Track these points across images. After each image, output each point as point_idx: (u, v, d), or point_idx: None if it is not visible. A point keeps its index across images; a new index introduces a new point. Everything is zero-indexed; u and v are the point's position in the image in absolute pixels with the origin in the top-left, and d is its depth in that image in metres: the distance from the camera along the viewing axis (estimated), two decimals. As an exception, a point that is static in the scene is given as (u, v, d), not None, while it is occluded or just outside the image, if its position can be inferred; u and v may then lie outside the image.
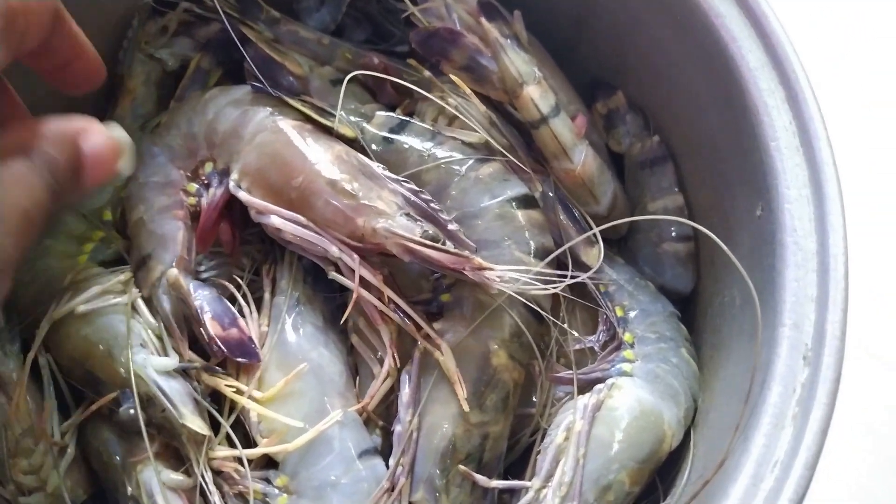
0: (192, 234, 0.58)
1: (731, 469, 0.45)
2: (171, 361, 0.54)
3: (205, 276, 0.59)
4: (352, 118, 0.58)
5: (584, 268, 0.57)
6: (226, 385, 0.54)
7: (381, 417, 0.55)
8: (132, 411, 0.51)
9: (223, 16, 0.60)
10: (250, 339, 0.55)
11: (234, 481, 0.52)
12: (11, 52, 0.36)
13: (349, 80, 0.58)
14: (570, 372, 0.56)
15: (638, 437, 0.52)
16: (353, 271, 0.52)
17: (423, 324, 0.52)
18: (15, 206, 0.34)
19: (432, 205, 0.53)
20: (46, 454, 0.54)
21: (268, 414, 0.52)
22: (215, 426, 0.54)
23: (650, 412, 0.53)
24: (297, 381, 0.54)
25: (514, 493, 0.53)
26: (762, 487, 0.43)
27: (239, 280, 0.58)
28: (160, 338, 0.55)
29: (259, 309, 0.58)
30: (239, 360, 0.54)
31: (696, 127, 0.59)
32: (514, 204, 0.56)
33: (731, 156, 0.54)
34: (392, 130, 0.58)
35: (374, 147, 0.57)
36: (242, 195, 0.55)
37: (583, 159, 0.60)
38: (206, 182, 0.58)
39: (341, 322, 0.55)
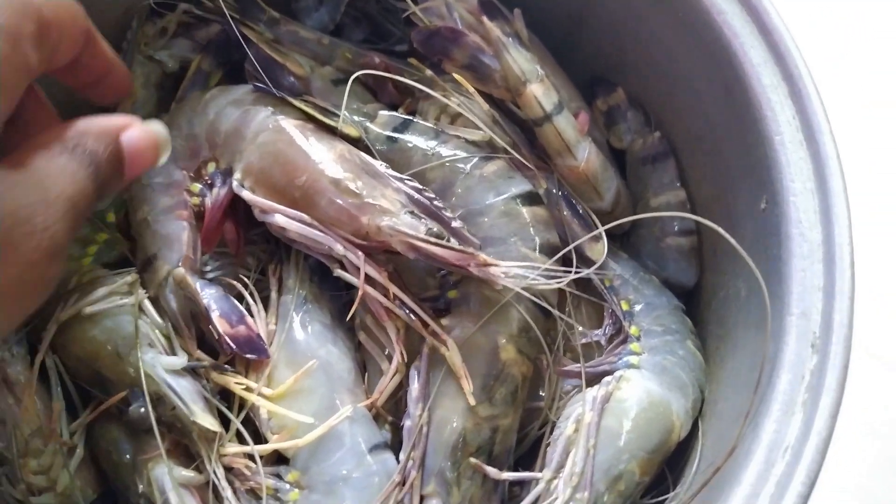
0: (196, 234, 0.58)
1: (742, 456, 0.45)
2: (181, 360, 0.54)
3: (210, 275, 0.59)
4: (355, 118, 0.58)
5: (588, 263, 0.57)
6: (235, 383, 0.54)
7: (391, 413, 0.55)
8: (142, 410, 0.52)
9: (225, 17, 0.60)
10: (258, 335, 0.55)
11: (246, 477, 0.53)
12: (44, 62, 0.38)
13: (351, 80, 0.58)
14: (578, 365, 0.56)
15: (647, 427, 0.53)
16: (359, 269, 0.52)
17: (428, 319, 0.52)
18: (61, 193, 0.35)
19: (436, 202, 0.53)
20: (56, 454, 0.54)
21: (278, 410, 0.53)
22: (225, 424, 0.54)
23: (659, 403, 0.54)
24: (306, 379, 0.54)
25: (524, 485, 0.54)
26: (774, 472, 0.43)
27: (245, 279, 0.58)
28: (168, 337, 0.55)
29: (266, 308, 0.58)
30: (248, 356, 0.54)
31: (698, 123, 0.59)
32: (518, 201, 0.56)
33: (734, 151, 0.55)
34: (396, 129, 0.58)
35: (378, 146, 0.57)
36: (246, 194, 0.55)
37: (586, 156, 0.60)
38: (209, 182, 0.58)
39: (347, 319, 0.55)
